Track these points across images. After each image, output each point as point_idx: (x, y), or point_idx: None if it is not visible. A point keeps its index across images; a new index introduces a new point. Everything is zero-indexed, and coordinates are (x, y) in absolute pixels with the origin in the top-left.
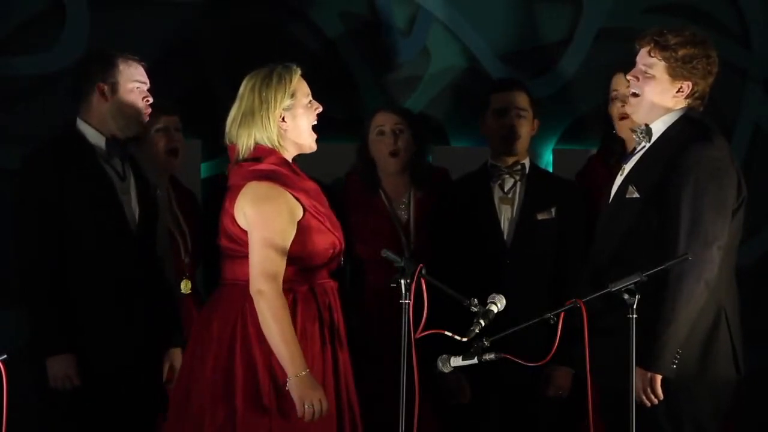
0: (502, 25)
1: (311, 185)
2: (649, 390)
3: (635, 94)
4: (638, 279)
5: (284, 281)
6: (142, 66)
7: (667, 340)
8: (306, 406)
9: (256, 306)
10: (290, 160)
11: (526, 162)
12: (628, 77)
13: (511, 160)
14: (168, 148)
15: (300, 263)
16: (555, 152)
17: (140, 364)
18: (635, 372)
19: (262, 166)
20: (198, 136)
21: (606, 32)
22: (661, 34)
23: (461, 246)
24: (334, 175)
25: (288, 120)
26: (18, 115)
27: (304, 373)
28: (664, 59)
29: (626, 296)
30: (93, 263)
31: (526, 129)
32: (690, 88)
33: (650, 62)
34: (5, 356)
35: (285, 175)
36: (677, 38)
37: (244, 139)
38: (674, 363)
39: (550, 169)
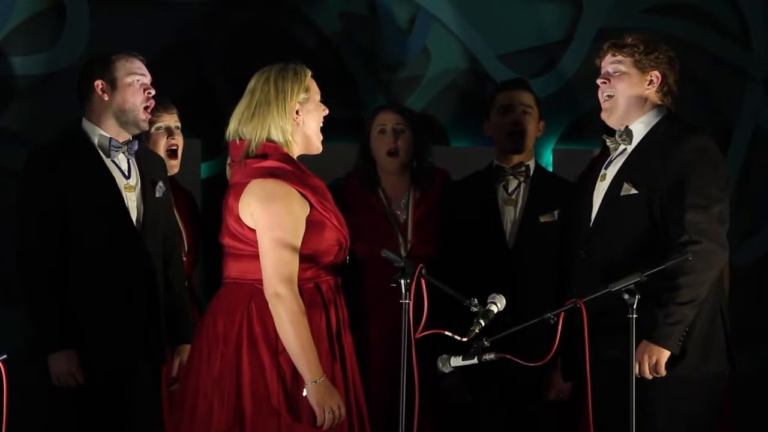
0: (502, 25)
1: (317, 182)
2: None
3: (609, 97)
4: (638, 279)
5: None
6: (142, 60)
7: (680, 320)
8: (326, 413)
9: (272, 310)
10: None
11: (531, 164)
12: (598, 82)
13: (516, 160)
14: (168, 146)
15: (306, 260)
16: (555, 152)
17: (142, 363)
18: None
19: (267, 163)
20: (198, 136)
21: (606, 32)
22: (616, 38)
23: (463, 247)
24: (333, 175)
25: (301, 114)
26: (18, 115)
27: (321, 379)
28: (629, 55)
29: (626, 296)
30: (96, 261)
31: (531, 126)
32: (659, 79)
33: (616, 60)
34: (5, 356)
35: (291, 171)
36: (632, 37)
37: (257, 131)
38: (680, 341)
39: (551, 169)
